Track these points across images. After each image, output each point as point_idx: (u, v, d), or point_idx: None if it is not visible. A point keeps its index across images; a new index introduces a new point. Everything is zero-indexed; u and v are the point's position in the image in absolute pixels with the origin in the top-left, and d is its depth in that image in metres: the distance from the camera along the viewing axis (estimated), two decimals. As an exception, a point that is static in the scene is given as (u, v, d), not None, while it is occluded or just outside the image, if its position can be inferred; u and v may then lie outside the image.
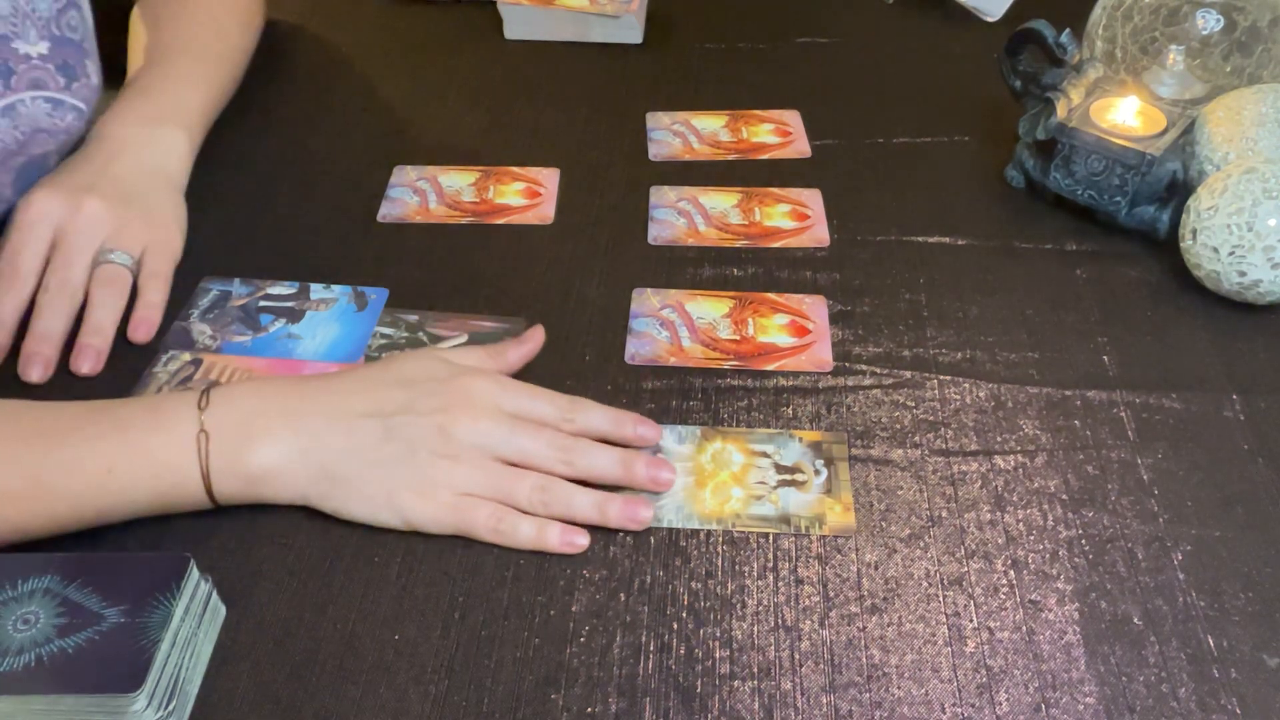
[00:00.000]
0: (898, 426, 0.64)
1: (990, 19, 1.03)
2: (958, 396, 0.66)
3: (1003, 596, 0.55)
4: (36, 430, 0.56)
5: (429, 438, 0.57)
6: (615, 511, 0.58)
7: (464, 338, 0.68)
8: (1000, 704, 0.51)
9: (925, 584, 0.56)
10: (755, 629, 0.54)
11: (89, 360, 0.66)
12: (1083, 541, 0.58)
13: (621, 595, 0.55)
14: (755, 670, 0.52)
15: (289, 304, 0.72)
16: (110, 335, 0.67)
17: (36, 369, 0.65)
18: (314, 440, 0.57)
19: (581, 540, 0.57)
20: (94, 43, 0.75)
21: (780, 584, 0.56)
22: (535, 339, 0.67)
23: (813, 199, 0.82)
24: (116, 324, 0.68)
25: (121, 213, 0.71)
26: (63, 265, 0.69)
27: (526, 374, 0.65)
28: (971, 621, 0.54)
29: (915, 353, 0.69)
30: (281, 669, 0.52)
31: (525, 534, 0.57)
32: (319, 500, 0.57)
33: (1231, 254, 0.69)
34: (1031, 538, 0.58)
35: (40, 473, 0.55)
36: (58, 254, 0.69)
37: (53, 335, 0.67)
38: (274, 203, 0.81)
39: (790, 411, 0.65)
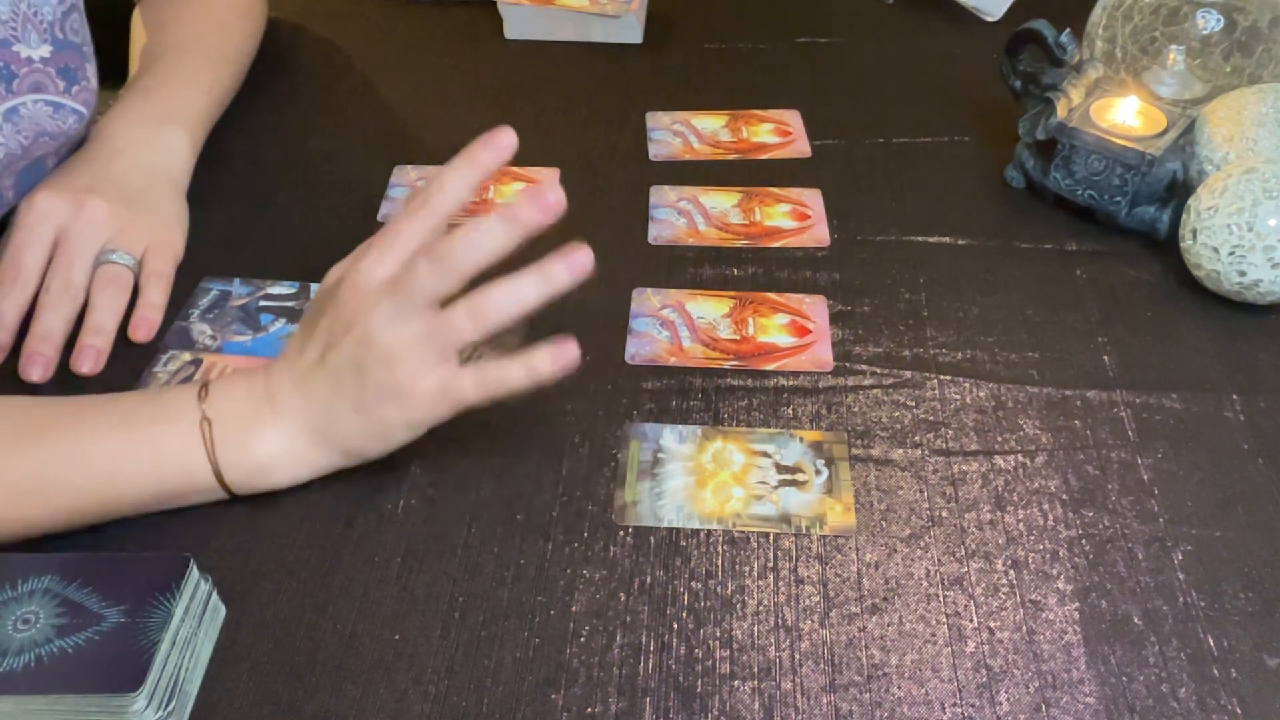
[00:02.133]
0: (898, 426, 0.64)
1: (990, 19, 1.03)
2: (958, 396, 0.66)
3: (1003, 596, 0.55)
4: (39, 426, 0.56)
5: (360, 352, 0.55)
6: (559, 269, 0.55)
7: None
8: (1000, 704, 0.51)
9: (925, 584, 0.56)
10: (755, 629, 0.54)
11: (89, 360, 0.66)
12: (1083, 541, 0.58)
13: (621, 595, 0.55)
14: (755, 670, 0.52)
15: (289, 304, 0.72)
16: (111, 335, 0.68)
17: (37, 369, 0.65)
18: (297, 413, 0.57)
19: (572, 351, 0.56)
20: (92, 46, 0.75)
21: (780, 584, 0.56)
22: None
23: (813, 199, 0.82)
24: (117, 324, 0.68)
25: (123, 213, 0.71)
26: (64, 266, 0.69)
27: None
28: (972, 621, 0.54)
29: (915, 353, 0.69)
30: (281, 669, 0.52)
31: (516, 375, 0.56)
32: (340, 462, 0.58)
33: (1232, 254, 0.69)
34: (1031, 538, 0.58)
35: (45, 468, 0.55)
36: (59, 255, 0.69)
37: (53, 335, 0.67)
38: (274, 203, 0.81)
39: (790, 411, 0.65)
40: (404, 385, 0.56)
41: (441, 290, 0.55)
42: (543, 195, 0.55)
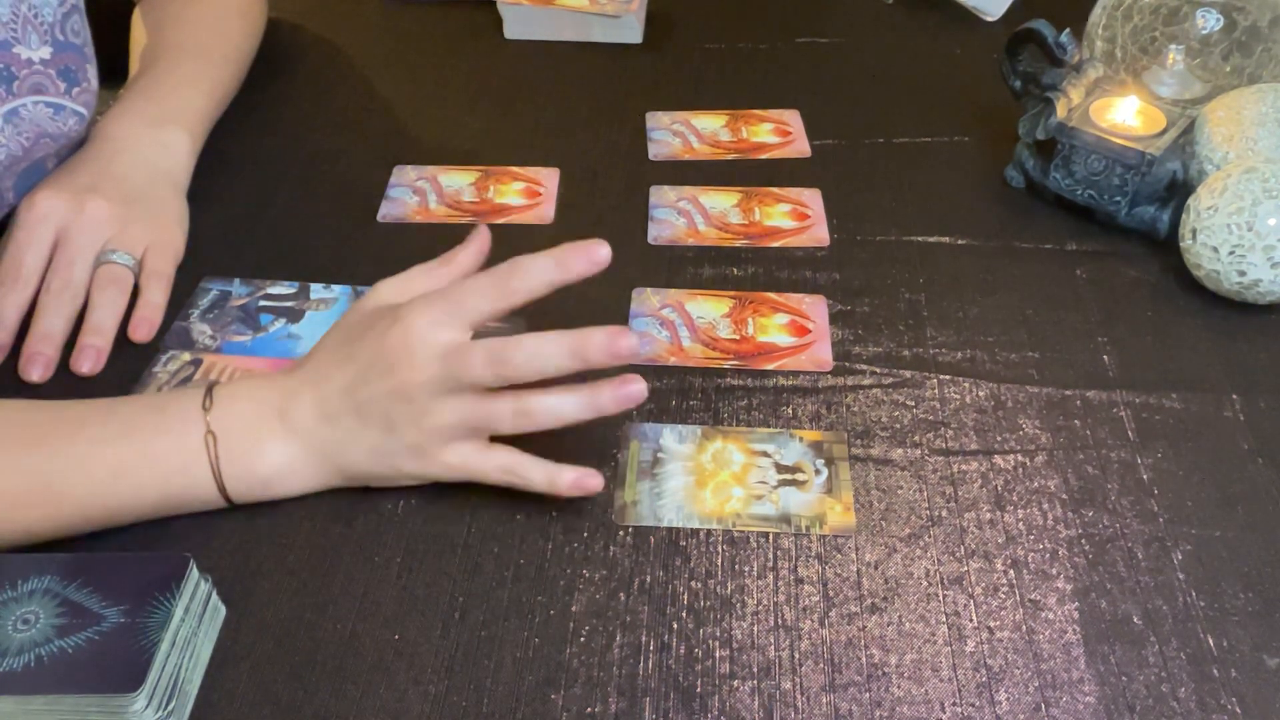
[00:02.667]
0: (898, 426, 0.64)
1: (990, 19, 1.03)
2: (958, 396, 0.66)
3: (1003, 596, 0.55)
4: (42, 433, 0.56)
5: (394, 406, 0.55)
6: (607, 398, 0.56)
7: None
8: (1000, 703, 0.51)
9: (925, 583, 0.56)
10: (755, 629, 0.54)
11: (89, 360, 0.66)
12: (1083, 541, 0.58)
13: (621, 595, 0.55)
14: (755, 670, 0.52)
15: (289, 304, 0.72)
16: (111, 335, 0.68)
17: (37, 369, 0.65)
18: (309, 437, 0.57)
19: (596, 483, 0.57)
20: (92, 47, 0.75)
21: (780, 584, 0.56)
22: (481, 238, 0.62)
23: (813, 199, 0.82)
24: (117, 324, 0.68)
25: (124, 213, 0.71)
26: (65, 266, 0.69)
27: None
28: (971, 621, 0.54)
29: (915, 352, 0.69)
30: (281, 669, 0.52)
31: (537, 478, 0.57)
32: (341, 483, 0.59)
33: (1231, 254, 0.69)
34: (1031, 537, 0.58)
35: (48, 476, 0.55)
36: (60, 254, 0.69)
37: (54, 335, 0.67)
38: (274, 203, 0.82)
39: (790, 411, 0.65)
40: (429, 451, 0.56)
41: (484, 385, 0.55)
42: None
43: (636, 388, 0.56)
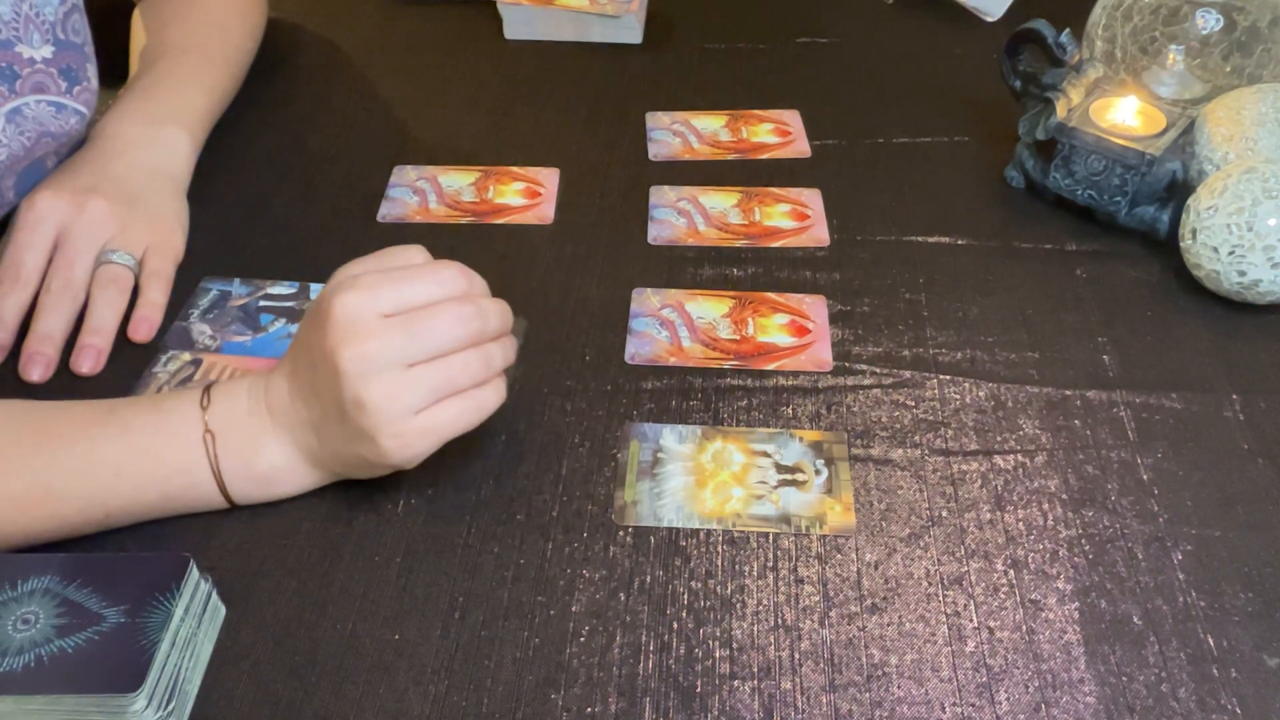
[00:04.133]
0: (898, 426, 0.64)
1: (990, 19, 1.03)
2: (958, 396, 0.66)
3: (1003, 596, 0.55)
4: (41, 434, 0.56)
5: (350, 387, 0.53)
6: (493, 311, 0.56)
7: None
8: (1000, 704, 0.51)
9: (925, 584, 0.56)
10: (755, 629, 0.54)
11: (89, 360, 0.66)
12: (1083, 541, 0.58)
13: (621, 595, 0.55)
14: (755, 670, 0.52)
15: (289, 304, 0.72)
16: (111, 335, 0.68)
17: (37, 369, 0.65)
18: (296, 431, 0.57)
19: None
20: (93, 46, 0.75)
21: (780, 584, 0.56)
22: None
23: (813, 199, 0.82)
24: (117, 324, 0.68)
25: (124, 213, 0.71)
26: (65, 266, 0.69)
27: (532, 371, 0.65)
28: (971, 621, 0.54)
29: (915, 353, 0.69)
30: (281, 669, 0.52)
31: (492, 399, 0.56)
32: (336, 478, 0.58)
33: (1231, 254, 0.69)
34: (1031, 537, 0.58)
35: (47, 478, 0.55)
36: (60, 255, 0.69)
37: (54, 335, 0.67)
38: (274, 203, 0.82)
39: (790, 411, 0.65)
40: (394, 430, 0.54)
41: (412, 360, 0.54)
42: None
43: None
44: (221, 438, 0.56)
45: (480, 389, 0.56)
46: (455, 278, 0.56)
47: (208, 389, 0.57)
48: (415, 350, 0.54)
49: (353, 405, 0.53)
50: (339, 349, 0.53)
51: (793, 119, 0.91)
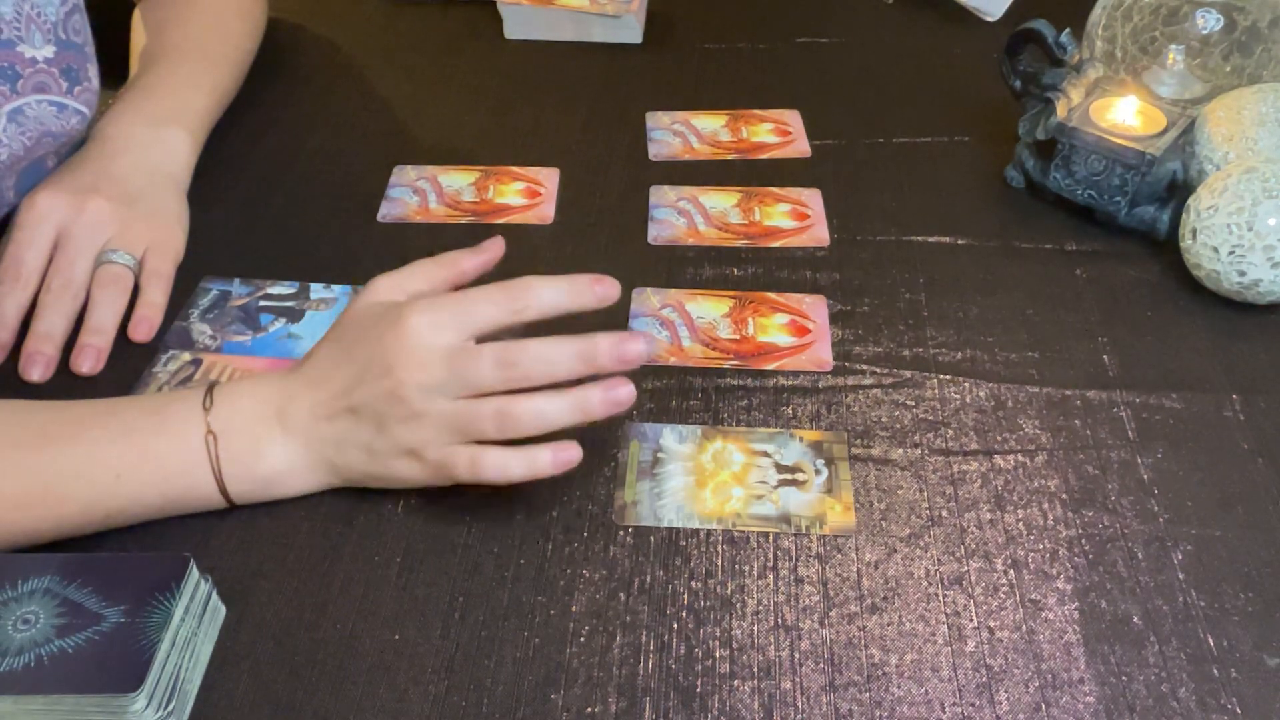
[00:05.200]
0: (898, 426, 0.64)
1: (990, 19, 1.03)
2: (958, 396, 0.66)
3: (1003, 596, 0.55)
4: (42, 435, 0.56)
5: (388, 407, 0.55)
6: (596, 402, 0.55)
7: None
8: (1000, 704, 0.51)
9: (925, 583, 0.56)
10: (755, 629, 0.54)
11: (89, 360, 0.66)
12: (1083, 541, 0.58)
13: (621, 595, 0.55)
14: (755, 670, 0.52)
15: (289, 304, 0.72)
16: (111, 335, 0.68)
17: (38, 368, 0.65)
18: (308, 437, 0.57)
19: (574, 454, 0.55)
20: (93, 46, 0.75)
21: (780, 583, 0.56)
22: (494, 249, 0.62)
23: (813, 199, 0.82)
24: (117, 324, 0.68)
25: (124, 213, 0.71)
26: (65, 265, 0.69)
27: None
28: (971, 621, 0.54)
29: (915, 352, 0.69)
30: (281, 669, 0.52)
31: (515, 467, 0.55)
32: (338, 485, 0.59)
33: (1231, 254, 0.69)
34: (1031, 537, 0.58)
35: (48, 477, 0.55)
36: (60, 254, 0.69)
37: (54, 335, 0.67)
38: (274, 203, 0.82)
39: (790, 411, 0.65)
40: (418, 452, 0.56)
41: (490, 390, 0.55)
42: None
43: (625, 390, 0.55)
44: (224, 439, 0.56)
45: (512, 455, 0.55)
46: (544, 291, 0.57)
47: (211, 389, 0.57)
48: (495, 384, 0.55)
49: (406, 421, 0.55)
50: (404, 373, 0.54)
51: (793, 119, 0.91)
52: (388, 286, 0.59)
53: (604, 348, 0.55)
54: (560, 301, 0.57)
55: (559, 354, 0.55)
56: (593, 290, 0.57)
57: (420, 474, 0.57)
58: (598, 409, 0.55)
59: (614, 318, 0.71)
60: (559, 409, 0.55)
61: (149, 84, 0.80)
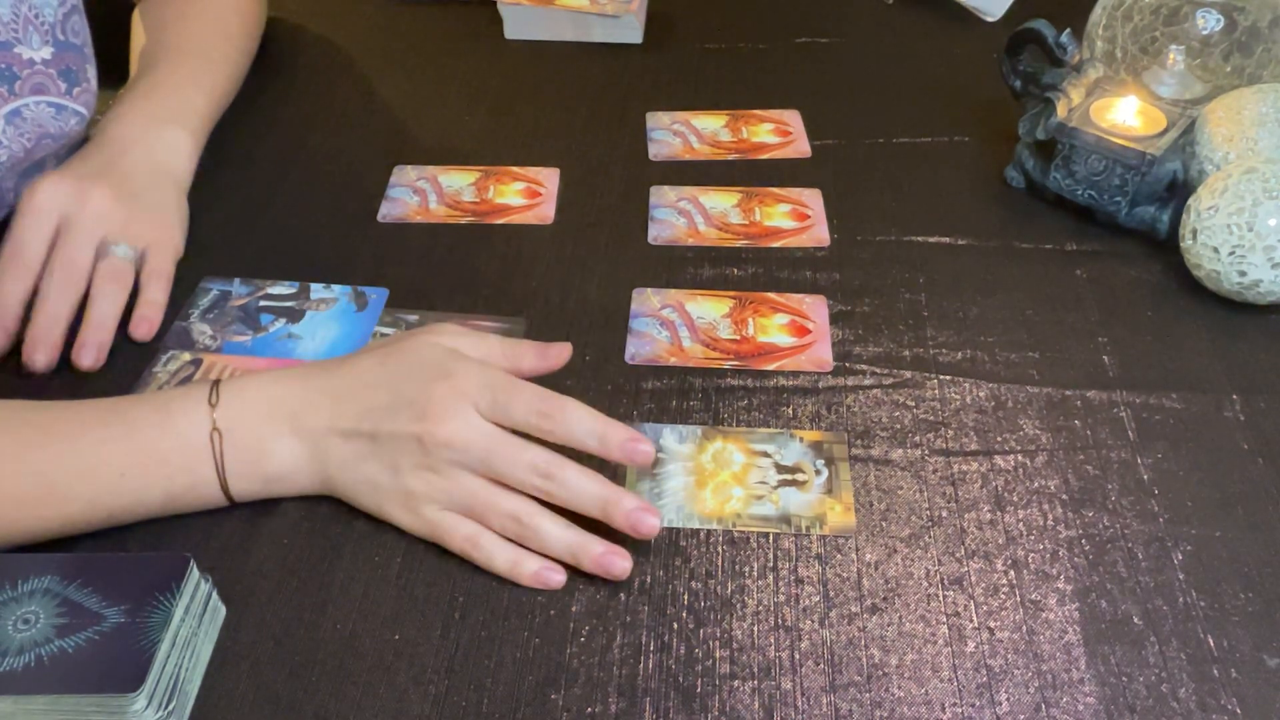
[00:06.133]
0: (898, 426, 0.64)
1: (990, 19, 1.03)
2: (958, 396, 0.66)
3: (1003, 596, 0.55)
4: (45, 433, 0.56)
5: (409, 451, 0.55)
6: (589, 559, 0.55)
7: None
8: (1000, 704, 0.51)
9: (925, 584, 0.56)
10: (755, 629, 0.54)
11: (91, 355, 0.66)
12: (1083, 541, 0.58)
13: (621, 595, 0.55)
14: (755, 670, 0.52)
15: (289, 304, 0.72)
16: (112, 329, 0.67)
17: (42, 354, 0.65)
18: (316, 448, 0.57)
19: (557, 578, 0.55)
20: (92, 47, 0.75)
21: (780, 584, 0.56)
22: (560, 356, 0.61)
23: (813, 199, 0.82)
24: (118, 318, 0.68)
25: (127, 207, 0.71)
26: (67, 251, 0.68)
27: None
28: (971, 621, 0.54)
29: (915, 353, 0.69)
30: (281, 669, 0.52)
31: (500, 561, 0.55)
32: (331, 494, 0.58)
33: (1232, 254, 0.69)
34: (1031, 538, 0.58)
35: (50, 476, 0.55)
36: (63, 240, 0.69)
37: (59, 318, 0.66)
38: (274, 203, 0.82)
39: (790, 411, 0.65)
40: (416, 505, 0.56)
41: (518, 487, 0.55)
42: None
43: (621, 566, 0.55)
44: (230, 437, 0.56)
45: (502, 546, 0.56)
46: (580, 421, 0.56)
47: (216, 385, 0.57)
48: (485, 467, 0.55)
49: (417, 472, 0.55)
50: (440, 429, 0.55)
51: (793, 119, 0.91)
52: (453, 338, 0.59)
53: (620, 514, 0.55)
54: (589, 443, 0.56)
55: (586, 492, 0.55)
56: (623, 449, 0.56)
57: (410, 523, 0.57)
58: (587, 564, 0.55)
59: (614, 317, 0.71)
60: (558, 542, 0.55)
61: (150, 84, 0.80)
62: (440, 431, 0.55)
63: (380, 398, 0.56)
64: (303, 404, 0.57)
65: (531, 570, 0.55)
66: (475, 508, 0.55)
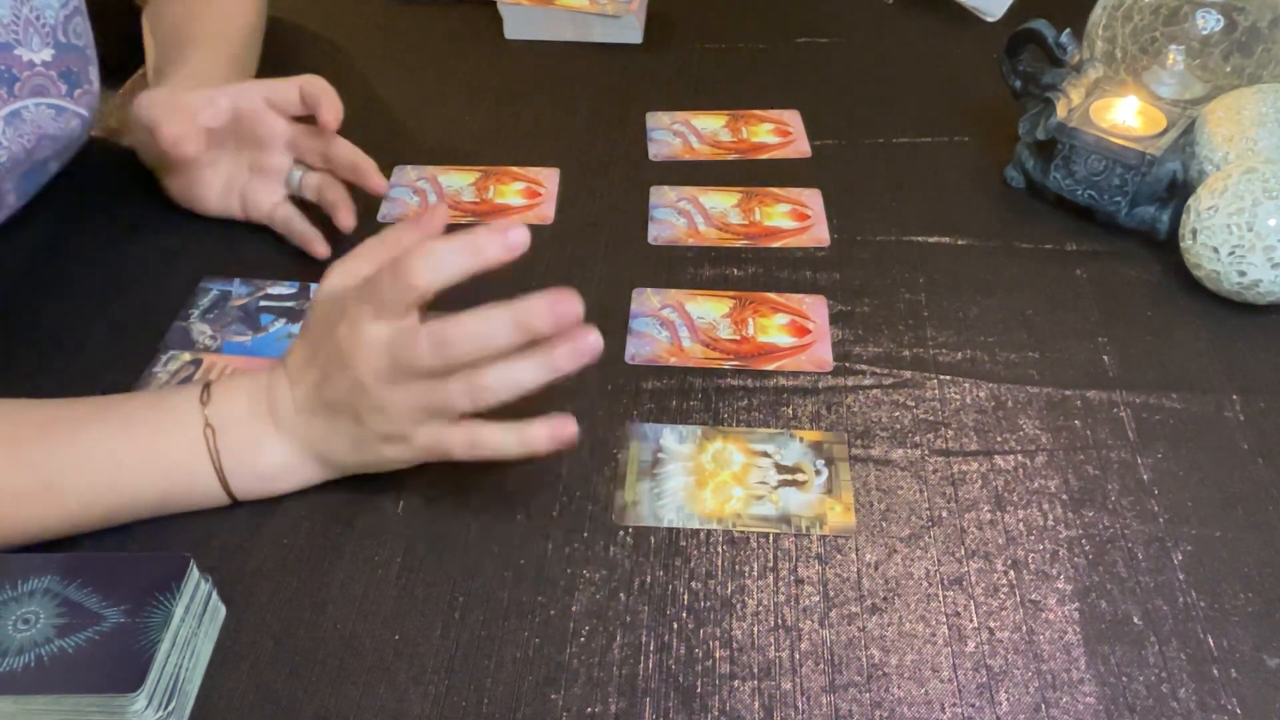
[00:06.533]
0: (898, 426, 0.64)
1: (990, 19, 1.03)
2: (958, 396, 0.66)
3: (1003, 596, 0.55)
4: (43, 431, 0.56)
5: (356, 399, 0.54)
6: (564, 354, 0.53)
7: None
8: (1000, 704, 0.51)
9: (925, 584, 0.56)
10: (755, 629, 0.54)
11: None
12: (1083, 541, 0.58)
13: (621, 595, 0.55)
14: (755, 670, 0.52)
15: (289, 304, 0.72)
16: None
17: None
18: (294, 432, 0.57)
19: (570, 428, 0.54)
20: (94, 49, 0.75)
21: (780, 584, 0.56)
22: (436, 219, 0.58)
23: (813, 199, 0.82)
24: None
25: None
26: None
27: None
28: (971, 621, 0.54)
29: (915, 353, 0.69)
30: (281, 669, 0.52)
31: (510, 444, 0.54)
32: (336, 476, 0.59)
33: (1231, 254, 0.69)
34: (1031, 538, 0.58)
35: (49, 474, 0.55)
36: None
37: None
38: (274, 203, 0.81)
39: (790, 411, 0.65)
40: (400, 433, 0.55)
41: (434, 370, 0.53)
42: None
43: (592, 339, 0.53)
44: (222, 434, 0.56)
45: (508, 431, 0.54)
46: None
47: (207, 385, 0.58)
48: (438, 363, 0.53)
49: (377, 410, 0.54)
50: (359, 366, 0.53)
51: (793, 119, 0.91)
52: (341, 274, 0.57)
53: (538, 308, 0.52)
54: (464, 262, 0.53)
55: (494, 324, 0.52)
56: (498, 240, 0.53)
57: (410, 455, 0.56)
58: (565, 362, 0.53)
59: (614, 317, 0.71)
60: (527, 369, 0.53)
61: (188, 72, 0.78)
62: (361, 367, 0.53)
63: (315, 368, 0.56)
64: (273, 397, 0.57)
65: (544, 434, 0.54)
66: (438, 405, 0.54)
